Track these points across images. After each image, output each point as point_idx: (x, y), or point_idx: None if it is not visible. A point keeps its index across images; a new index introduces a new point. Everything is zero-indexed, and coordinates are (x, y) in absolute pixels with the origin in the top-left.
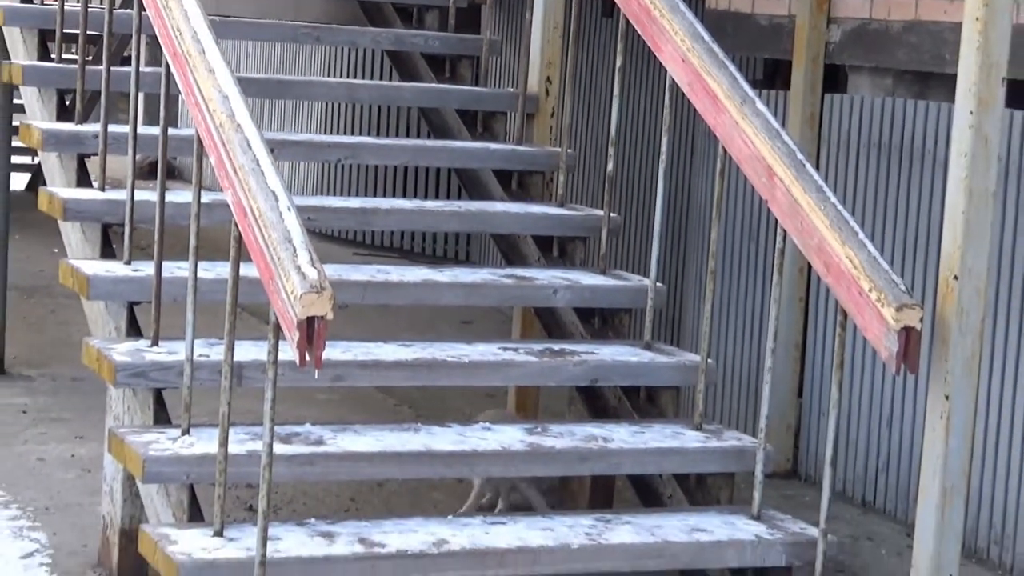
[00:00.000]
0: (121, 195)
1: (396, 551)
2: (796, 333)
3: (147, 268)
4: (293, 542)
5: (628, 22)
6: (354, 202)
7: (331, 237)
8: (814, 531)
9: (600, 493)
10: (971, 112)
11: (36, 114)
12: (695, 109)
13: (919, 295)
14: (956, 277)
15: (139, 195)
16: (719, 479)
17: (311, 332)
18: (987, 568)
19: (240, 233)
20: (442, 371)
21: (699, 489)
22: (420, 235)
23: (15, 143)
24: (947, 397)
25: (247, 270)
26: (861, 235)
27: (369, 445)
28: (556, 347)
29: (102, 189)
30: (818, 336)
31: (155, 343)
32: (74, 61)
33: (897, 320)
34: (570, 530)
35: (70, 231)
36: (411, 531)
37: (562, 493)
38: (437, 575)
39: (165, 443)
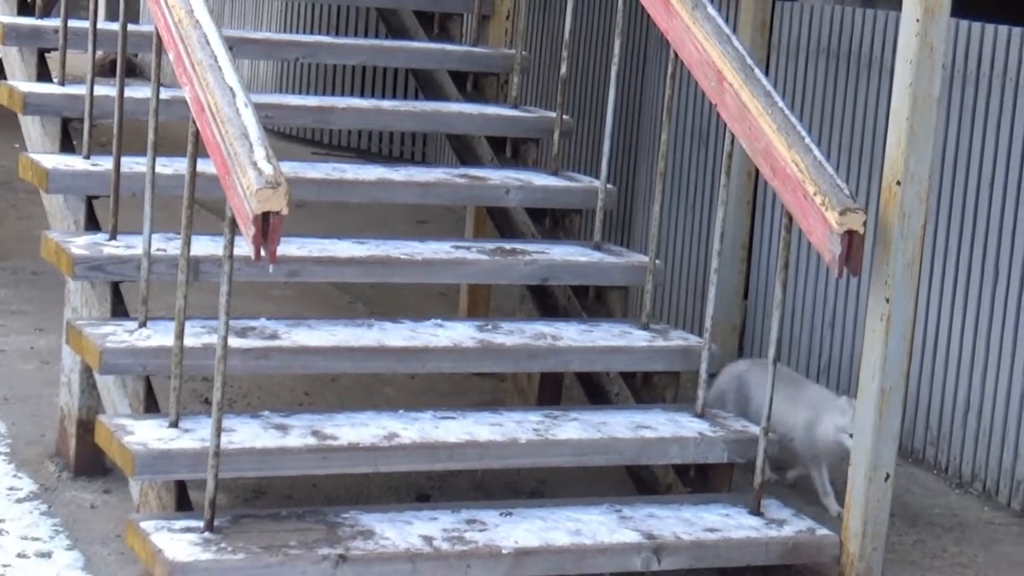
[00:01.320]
0: (81, 90)
1: (348, 444)
2: (743, 236)
3: (106, 163)
4: (247, 434)
5: None
6: (311, 100)
7: (289, 136)
8: (756, 429)
9: (549, 391)
10: (917, 20)
11: None
12: (648, 13)
13: (863, 200)
14: (899, 182)
15: (99, 90)
16: (665, 377)
17: (266, 227)
18: (924, 468)
19: (198, 129)
20: (396, 268)
21: (645, 387)
22: (377, 135)
23: None
24: (887, 300)
25: (205, 166)
26: (807, 140)
27: (323, 340)
28: (508, 246)
29: (62, 83)
30: (764, 239)
31: (113, 237)
32: None
33: (840, 224)
34: (518, 425)
35: (30, 125)
36: (363, 424)
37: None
38: (388, 468)
39: (122, 335)
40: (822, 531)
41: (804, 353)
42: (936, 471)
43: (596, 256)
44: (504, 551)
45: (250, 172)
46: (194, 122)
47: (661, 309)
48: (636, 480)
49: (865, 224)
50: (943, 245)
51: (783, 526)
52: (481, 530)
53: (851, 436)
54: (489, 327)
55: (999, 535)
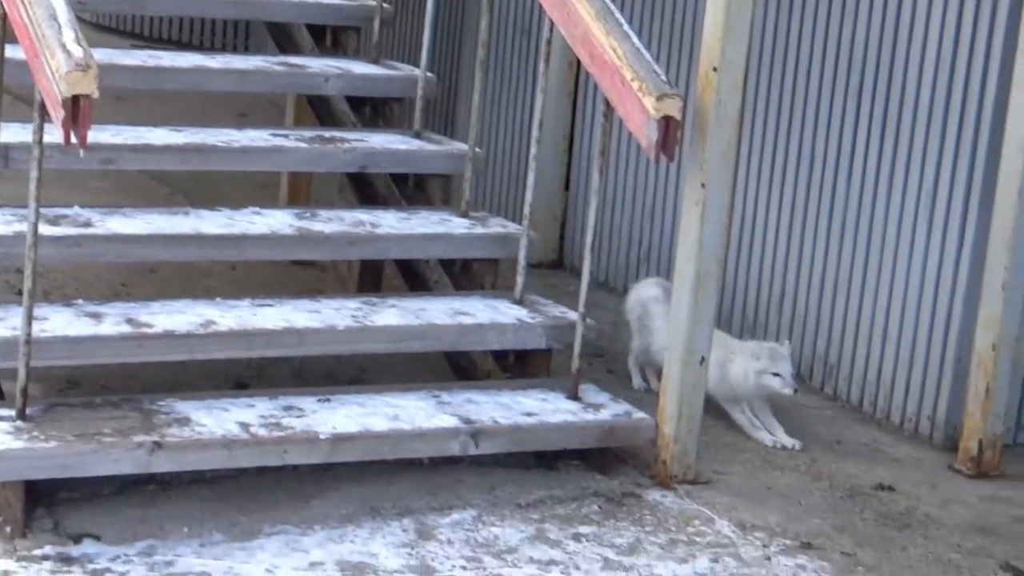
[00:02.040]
0: None
1: (163, 331)
2: (564, 126)
3: None
4: (60, 322)
5: None
6: None
7: (109, 28)
8: (574, 315)
9: (369, 280)
10: None
11: None
12: None
13: (682, 87)
14: (715, 69)
15: None
16: (484, 265)
17: (76, 111)
18: None
19: (5, 11)
20: (213, 156)
21: (464, 275)
22: (198, 27)
23: None
24: (703, 185)
25: (14, 52)
26: (626, 27)
27: (138, 227)
28: (327, 134)
29: None
30: (585, 130)
31: None
32: None
33: (657, 109)
34: (336, 312)
35: None
36: (179, 312)
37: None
38: (204, 355)
39: None
40: (638, 415)
41: (624, 242)
42: None
43: (416, 144)
44: (322, 436)
45: (59, 54)
46: (2, 4)
47: (483, 198)
48: (455, 367)
49: (683, 110)
50: (760, 132)
51: (600, 410)
52: (299, 416)
53: (776, 375)
54: (308, 215)
55: (812, 418)
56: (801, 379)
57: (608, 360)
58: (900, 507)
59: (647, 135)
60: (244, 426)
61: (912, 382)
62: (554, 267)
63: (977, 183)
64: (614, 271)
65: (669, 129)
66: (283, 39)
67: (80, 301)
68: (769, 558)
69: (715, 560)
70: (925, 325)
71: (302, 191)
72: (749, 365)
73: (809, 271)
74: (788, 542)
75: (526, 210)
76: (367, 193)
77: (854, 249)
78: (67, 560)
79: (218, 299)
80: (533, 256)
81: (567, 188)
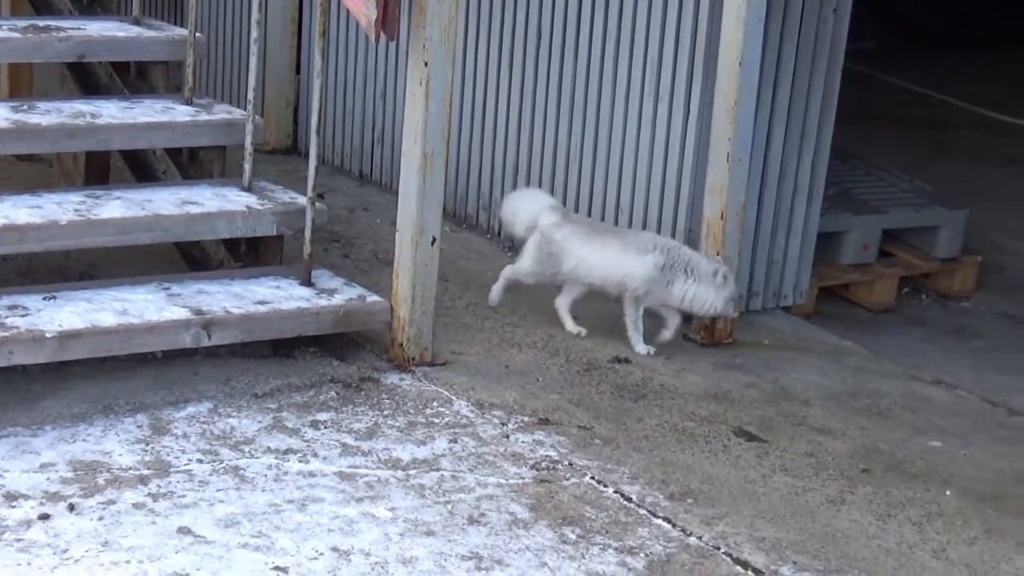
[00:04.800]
0: None
1: None
2: (292, 9)
3: None
4: None
5: None
6: None
7: None
8: (303, 200)
9: (96, 173)
10: None
11: None
12: None
13: None
14: None
15: None
16: (211, 153)
17: None
18: (478, 234)
19: None
20: None
21: (192, 164)
22: None
23: None
24: (425, 63)
25: None
26: None
27: None
28: (41, 23)
29: None
30: (313, 12)
31: None
32: None
33: None
34: (59, 207)
35: None
36: None
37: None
38: None
39: None
40: (373, 298)
41: (358, 126)
42: (490, 236)
43: (135, 31)
44: (48, 335)
45: None
46: None
47: (213, 85)
48: (188, 258)
49: None
50: (487, 8)
51: (334, 295)
52: (23, 315)
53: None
54: (25, 107)
55: (549, 294)
56: None
57: (344, 245)
58: (636, 379)
59: (366, 13)
60: None
61: None
62: (289, 153)
63: (700, 55)
64: (349, 155)
65: (388, 7)
66: None
67: None
68: (507, 436)
69: (453, 440)
70: (656, 197)
71: (23, 84)
72: (719, 293)
73: (541, 146)
74: (526, 419)
75: (250, 95)
76: (89, 83)
77: (584, 123)
78: None
79: None
80: (267, 142)
81: (298, 72)
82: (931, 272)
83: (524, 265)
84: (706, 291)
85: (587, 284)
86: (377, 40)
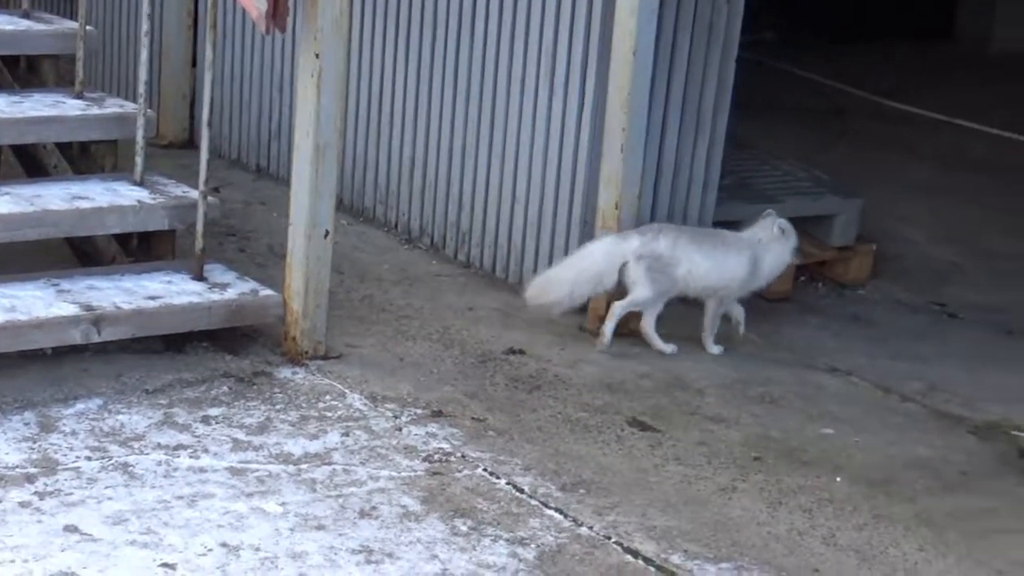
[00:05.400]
0: None
1: None
2: (188, 2)
3: None
4: None
5: None
6: None
7: None
8: (195, 194)
9: None
10: None
11: None
12: None
13: None
14: None
15: None
16: (102, 147)
17: None
18: (375, 227)
19: None
20: None
21: (83, 158)
22: None
23: None
24: (317, 55)
25: None
26: None
27: None
28: None
29: None
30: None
31: None
32: None
33: None
34: None
35: None
36: None
37: None
38: None
39: None
40: (266, 292)
41: (255, 120)
42: (387, 228)
43: (24, 24)
44: None
45: None
46: None
47: (106, 79)
48: (80, 254)
49: None
50: (383, 0)
51: (226, 289)
52: None
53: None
54: None
55: (445, 286)
56: (436, 247)
57: (240, 239)
58: (531, 370)
59: (257, 6)
60: None
61: (542, 245)
62: (186, 147)
63: (594, 45)
64: (246, 148)
65: None
66: None
67: None
68: (400, 428)
69: (346, 434)
70: (551, 188)
71: None
72: (786, 247)
73: (437, 138)
74: (419, 411)
75: (140, 88)
76: None
77: (480, 114)
78: None
79: None
80: (164, 136)
81: (194, 65)
82: (827, 260)
83: (642, 293)
84: (780, 253)
85: (694, 291)
86: (268, 33)
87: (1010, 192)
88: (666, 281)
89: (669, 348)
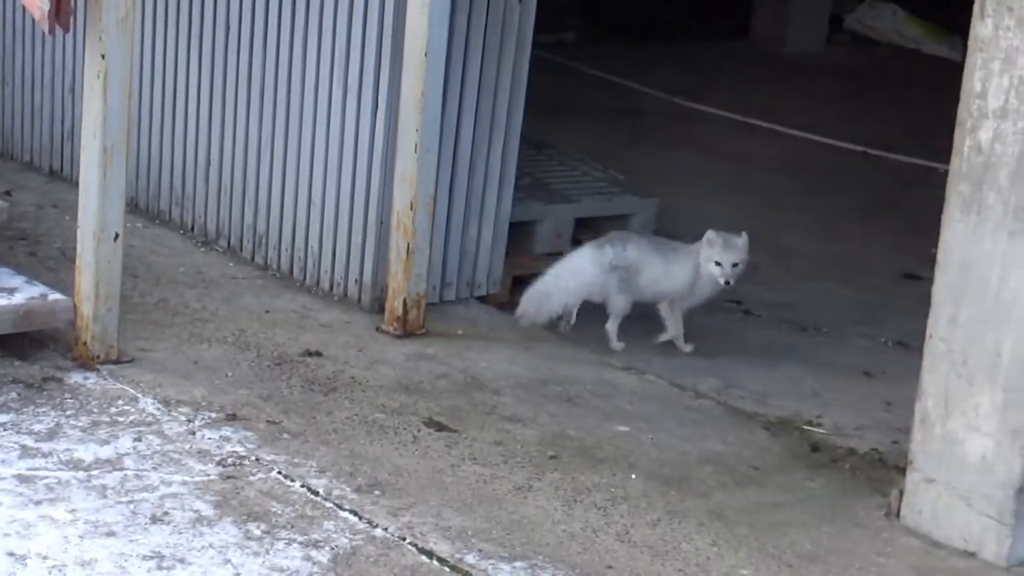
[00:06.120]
0: None
1: None
2: None
3: None
4: None
5: None
6: None
7: None
8: None
9: None
10: None
11: None
12: None
13: None
14: None
15: None
16: None
17: None
18: (171, 229)
19: None
20: None
21: None
22: None
23: None
24: (103, 56)
25: None
26: None
27: None
28: None
29: None
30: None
31: None
32: None
33: None
34: None
35: None
36: None
37: None
38: None
39: None
40: (55, 296)
41: (47, 122)
42: (183, 231)
43: None
44: None
45: None
46: None
47: None
48: None
49: None
50: (174, 0)
51: (14, 294)
52: None
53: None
54: None
55: (241, 288)
56: (232, 250)
57: (31, 242)
58: (327, 372)
59: (39, 6)
60: None
61: (338, 246)
62: None
63: (387, 45)
64: (39, 150)
65: None
66: None
67: None
68: (194, 432)
69: (138, 439)
70: (347, 189)
71: None
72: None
73: (232, 140)
74: (213, 415)
75: None
76: None
77: (274, 116)
78: None
79: None
80: None
81: None
82: None
83: (619, 302)
84: (704, 263)
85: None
86: (52, 33)
87: (805, 191)
88: (633, 287)
89: (621, 346)
